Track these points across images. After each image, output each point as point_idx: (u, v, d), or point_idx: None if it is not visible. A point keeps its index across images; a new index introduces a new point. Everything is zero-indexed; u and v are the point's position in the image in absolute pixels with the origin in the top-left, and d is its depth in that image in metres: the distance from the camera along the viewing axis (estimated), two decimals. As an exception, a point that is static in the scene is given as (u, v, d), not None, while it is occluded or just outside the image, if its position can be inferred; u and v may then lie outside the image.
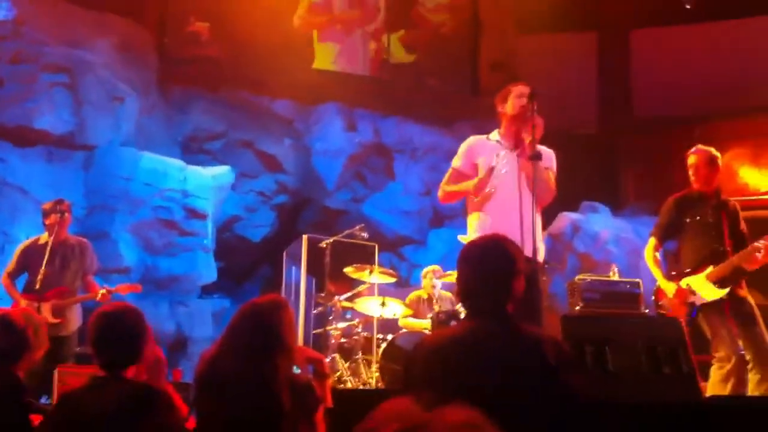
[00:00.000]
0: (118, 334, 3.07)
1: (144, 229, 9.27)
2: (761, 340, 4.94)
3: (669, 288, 5.20)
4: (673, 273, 5.30)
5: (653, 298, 5.42)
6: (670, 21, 13.70)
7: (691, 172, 5.33)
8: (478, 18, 13.11)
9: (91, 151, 9.32)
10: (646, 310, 6.25)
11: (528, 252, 4.18)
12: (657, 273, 5.35)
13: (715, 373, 4.96)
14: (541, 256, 4.48)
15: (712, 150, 5.32)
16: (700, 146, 5.39)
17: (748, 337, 4.95)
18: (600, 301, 6.01)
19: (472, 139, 4.76)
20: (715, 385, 4.93)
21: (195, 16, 11.35)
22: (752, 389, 4.85)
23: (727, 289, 4.99)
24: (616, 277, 6.77)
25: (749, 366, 4.90)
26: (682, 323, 4.96)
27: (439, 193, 4.82)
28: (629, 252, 10.62)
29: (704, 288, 5.06)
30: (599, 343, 4.27)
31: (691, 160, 5.33)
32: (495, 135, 4.68)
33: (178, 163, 9.72)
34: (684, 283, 5.17)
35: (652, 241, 5.46)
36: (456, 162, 4.74)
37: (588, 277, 6.52)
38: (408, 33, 12.77)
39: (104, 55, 9.53)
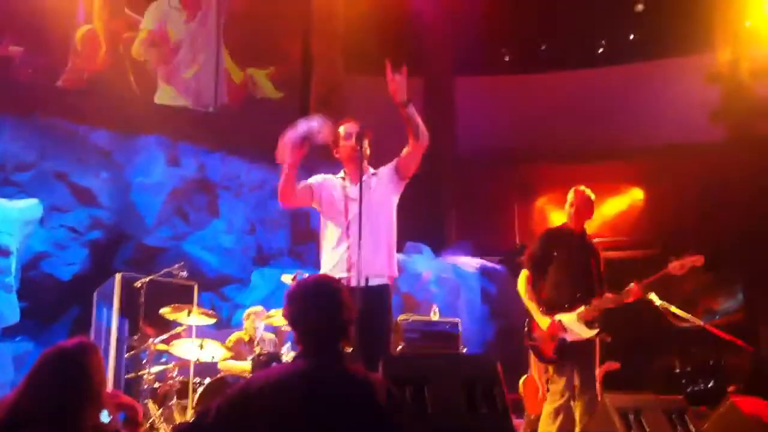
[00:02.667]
0: None
1: (-63, 265, 8.48)
2: (590, 376, 5.19)
3: (544, 322, 5.25)
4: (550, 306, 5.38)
5: (526, 330, 5.44)
6: (491, 71, 14.46)
7: (568, 210, 5.49)
8: (308, 55, 13.21)
9: None
10: (464, 349, 6.41)
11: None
12: (532, 306, 5.36)
13: (547, 407, 5.14)
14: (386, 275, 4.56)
15: (590, 193, 5.51)
16: (580, 187, 5.53)
17: (579, 370, 5.18)
18: (420, 340, 6.12)
19: (320, 177, 4.74)
20: (545, 419, 5.12)
21: (8, 39, 10.68)
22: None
23: (596, 330, 5.20)
24: (436, 317, 6.92)
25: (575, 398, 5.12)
26: (544, 356, 5.12)
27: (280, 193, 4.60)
28: (449, 291, 10.95)
29: (575, 326, 5.21)
30: (418, 383, 4.32)
31: (570, 198, 5.50)
32: (340, 173, 4.71)
33: (-20, 194, 9.01)
34: (557, 318, 5.28)
35: (525, 273, 5.48)
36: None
37: (410, 317, 6.62)
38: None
39: None
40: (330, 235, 4.56)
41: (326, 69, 13.17)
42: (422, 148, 4.56)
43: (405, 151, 4.60)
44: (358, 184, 4.35)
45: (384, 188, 4.59)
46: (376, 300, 4.36)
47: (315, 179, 4.69)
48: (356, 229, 4.31)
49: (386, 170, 4.66)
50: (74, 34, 11.08)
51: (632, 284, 5.24)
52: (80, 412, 2.86)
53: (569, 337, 5.21)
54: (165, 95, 11.85)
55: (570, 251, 5.40)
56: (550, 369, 5.27)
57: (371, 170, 4.65)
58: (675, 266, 5.18)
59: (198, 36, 12.25)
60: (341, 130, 4.64)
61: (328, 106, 12.49)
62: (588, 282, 5.35)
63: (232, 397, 2.62)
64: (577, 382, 5.18)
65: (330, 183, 4.67)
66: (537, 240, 5.59)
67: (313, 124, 4.39)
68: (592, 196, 5.51)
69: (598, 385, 5.34)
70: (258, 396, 2.55)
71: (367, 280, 4.33)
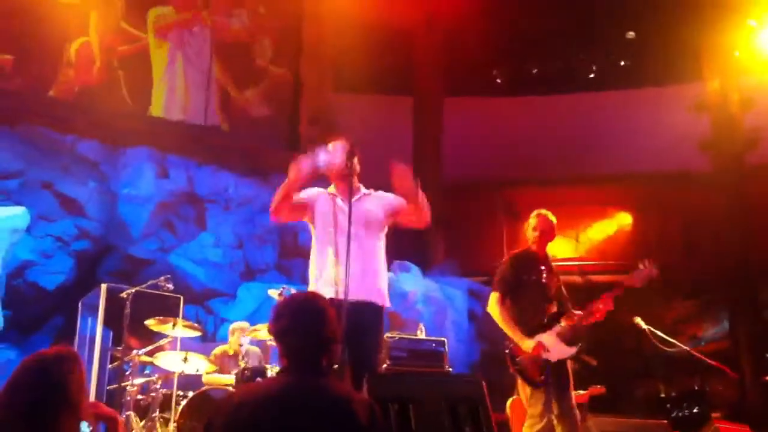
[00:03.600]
0: None
1: None
2: (569, 399, 5.18)
3: (528, 344, 5.19)
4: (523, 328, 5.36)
5: (508, 354, 5.34)
6: (481, 92, 14.53)
7: (532, 234, 5.52)
8: (298, 74, 13.23)
9: None
10: (450, 368, 6.39)
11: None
12: (512, 328, 5.29)
13: (526, 430, 5.10)
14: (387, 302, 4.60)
15: (552, 216, 5.54)
16: (542, 211, 5.56)
17: (558, 394, 5.16)
18: (407, 359, 6.10)
19: (314, 190, 4.68)
20: None
21: (-1, 47, 10.67)
22: None
23: (576, 348, 5.22)
24: (422, 336, 6.90)
25: (555, 423, 5.10)
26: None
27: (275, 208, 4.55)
28: (436, 311, 10.93)
29: (556, 345, 5.21)
30: (403, 402, 4.29)
31: (533, 222, 5.53)
32: (332, 189, 4.68)
33: (-34, 202, 8.94)
34: (537, 339, 5.26)
35: (496, 296, 5.44)
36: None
37: (396, 335, 6.60)
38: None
39: None
40: (319, 250, 4.54)
41: (315, 89, 13.20)
42: (420, 224, 4.58)
43: (407, 208, 4.56)
44: (349, 202, 4.35)
45: (375, 214, 4.57)
46: (369, 317, 4.35)
47: (308, 193, 4.65)
48: (345, 245, 4.27)
49: (383, 200, 4.64)
50: (67, 45, 11.05)
51: (598, 301, 5.27)
52: (59, 421, 2.83)
53: (552, 357, 5.20)
54: (158, 108, 11.81)
55: (539, 274, 5.44)
56: (527, 392, 5.23)
57: (363, 189, 4.64)
58: (632, 279, 5.25)
59: (191, 53, 12.24)
60: (330, 148, 4.60)
61: (316, 124, 12.51)
62: (556, 302, 5.43)
63: (215, 418, 2.63)
64: (556, 405, 5.16)
65: (324, 197, 4.64)
66: (506, 264, 5.56)
67: (335, 159, 4.43)
68: (554, 220, 5.56)
69: (579, 408, 5.33)
70: (238, 412, 2.55)
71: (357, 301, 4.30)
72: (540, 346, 5.19)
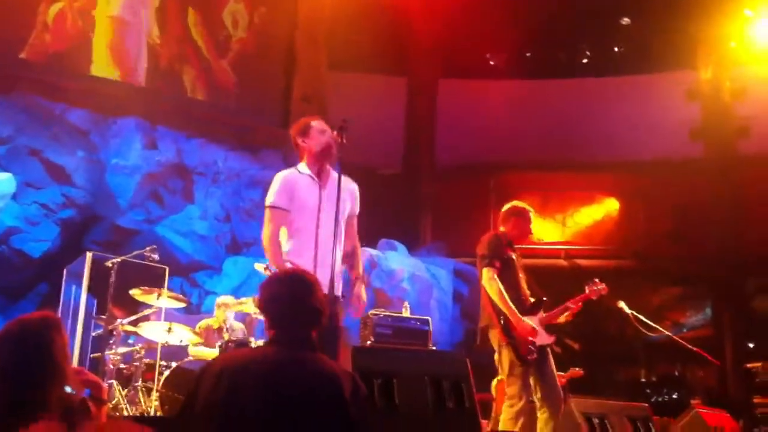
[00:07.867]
0: None
1: None
2: (551, 380, 5.18)
3: (525, 325, 5.14)
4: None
5: (502, 326, 5.24)
6: (475, 75, 14.49)
7: (526, 229, 5.56)
8: (292, 51, 13.12)
9: None
10: (434, 347, 6.41)
11: (325, 286, 4.11)
12: (507, 305, 5.18)
13: (507, 410, 5.09)
14: (339, 290, 4.43)
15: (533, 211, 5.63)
16: (526, 206, 5.65)
17: (539, 376, 5.16)
18: (391, 336, 6.09)
19: (286, 175, 4.47)
20: (505, 422, 5.05)
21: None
22: (540, 428, 5.02)
23: (554, 337, 5.30)
24: (407, 314, 6.91)
25: (538, 405, 5.11)
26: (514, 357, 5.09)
27: (265, 242, 4.43)
28: (422, 290, 10.96)
29: (540, 331, 5.23)
30: (387, 377, 4.32)
31: (521, 215, 5.57)
32: (304, 168, 4.47)
33: (-48, 166, 8.86)
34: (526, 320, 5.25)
35: (492, 271, 5.27)
36: (278, 201, 4.39)
37: (381, 312, 6.60)
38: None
39: None
40: (298, 235, 4.37)
41: (309, 67, 13.10)
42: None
43: (352, 248, 4.61)
44: (337, 178, 4.22)
45: (344, 208, 4.41)
46: (336, 309, 4.25)
47: (284, 189, 4.40)
48: (325, 225, 4.24)
49: (351, 202, 4.55)
50: (41, 8, 10.77)
51: (568, 303, 5.41)
52: (42, 387, 2.81)
53: (537, 341, 5.21)
54: (99, 67, 11.33)
55: (519, 260, 5.48)
56: (505, 371, 5.22)
57: (333, 172, 4.44)
58: (592, 291, 5.46)
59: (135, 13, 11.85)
60: (315, 124, 4.48)
61: (309, 102, 12.43)
62: (535, 291, 5.51)
63: (197, 385, 2.63)
64: (539, 387, 5.17)
65: (301, 181, 4.43)
66: (498, 240, 5.46)
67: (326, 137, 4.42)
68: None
69: (562, 390, 5.35)
70: (220, 378, 2.56)
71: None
72: (534, 330, 5.19)
